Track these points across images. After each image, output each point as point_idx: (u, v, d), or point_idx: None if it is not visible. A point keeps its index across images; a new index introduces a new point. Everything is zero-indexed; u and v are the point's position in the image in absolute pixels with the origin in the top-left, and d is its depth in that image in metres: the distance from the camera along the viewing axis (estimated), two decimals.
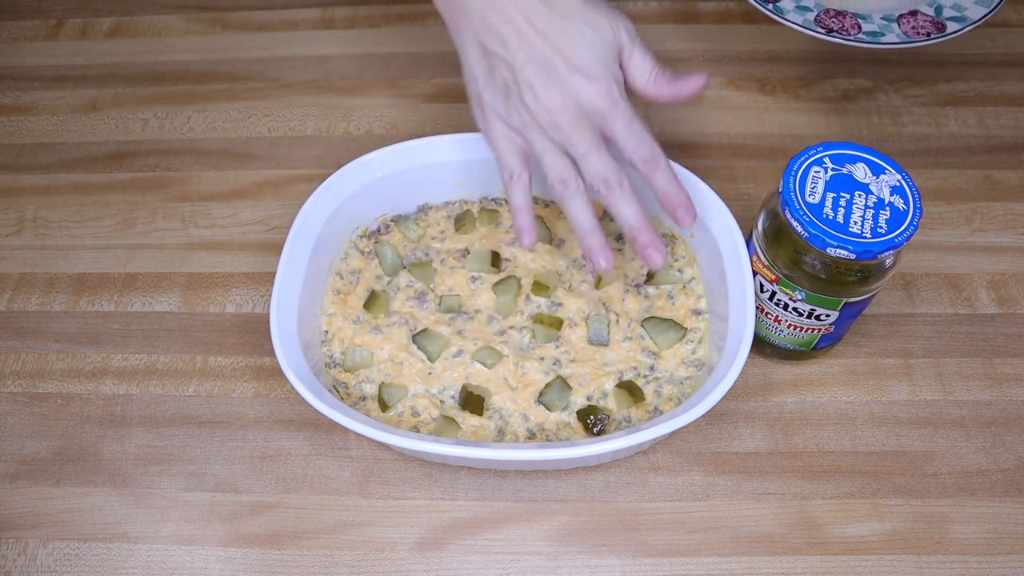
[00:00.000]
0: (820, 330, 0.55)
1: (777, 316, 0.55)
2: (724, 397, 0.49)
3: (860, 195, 0.49)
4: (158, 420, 0.59)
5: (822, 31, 0.67)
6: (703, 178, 0.59)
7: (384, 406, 0.56)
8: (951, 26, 0.68)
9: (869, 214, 0.49)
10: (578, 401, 0.56)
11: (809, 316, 0.54)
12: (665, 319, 0.58)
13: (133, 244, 0.69)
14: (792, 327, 0.55)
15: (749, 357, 0.52)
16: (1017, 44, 0.79)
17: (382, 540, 0.54)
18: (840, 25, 0.68)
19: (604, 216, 0.63)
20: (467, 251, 0.62)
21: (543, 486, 0.56)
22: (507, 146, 0.53)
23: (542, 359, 0.57)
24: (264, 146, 0.74)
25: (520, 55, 0.50)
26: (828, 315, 0.53)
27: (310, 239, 0.58)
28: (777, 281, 0.53)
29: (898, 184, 0.50)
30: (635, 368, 0.57)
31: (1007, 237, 0.66)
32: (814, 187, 0.50)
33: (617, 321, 0.59)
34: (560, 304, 0.59)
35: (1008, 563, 0.52)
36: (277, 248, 0.58)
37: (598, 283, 0.60)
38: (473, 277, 0.61)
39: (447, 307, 0.60)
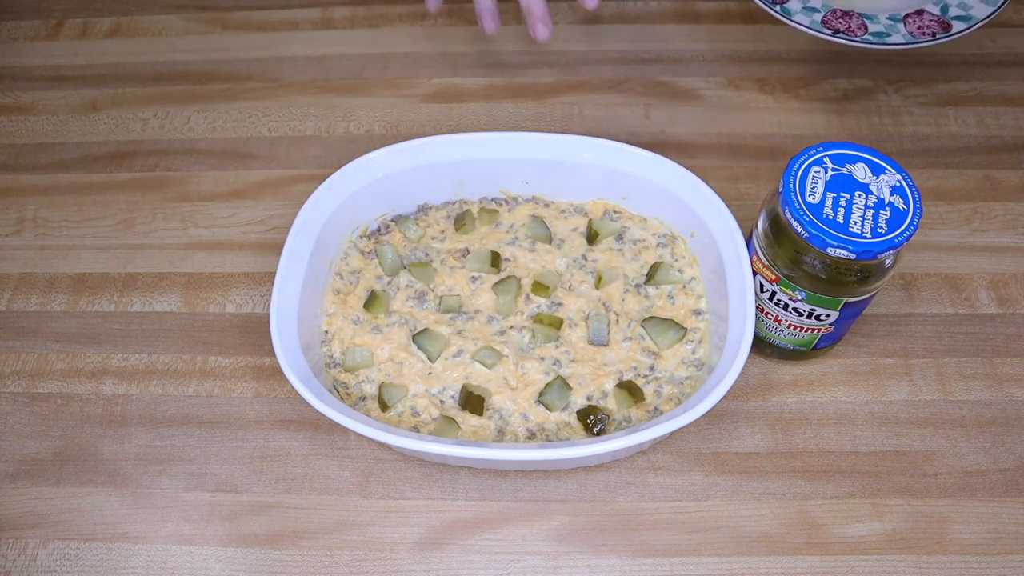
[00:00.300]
0: (820, 330, 0.55)
1: (777, 316, 0.55)
2: (724, 397, 0.49)
3: (860, 195, 0.49)
4: (158, 420, 0.59)
5: (828, 32, 0.67)
6: (703, 178, 0.59)
7: (384, 406, 0.56)
8: (956, 25, 0.68)
9: (869, 214, 0.49)
10: (578, 401, 0.56)
11: (809, 316, 0.54)
12: (665, 319, 0.58)
13: (133, 244, 0.69)
14: (792, 327, 0.55)
15: (749, 357, 0.52)
16: (1017, 44, 0.79)
17: (382, 540, 0.54)
18: (847, 26, 0.68)
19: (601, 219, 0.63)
20: (467, 251, 0.62)
21: (543, 486, 0.56)
22: None
23: (542, 359, 0.57)
24: (264, 146, 0.74)
25: None
26: (828, 315, 0.53)
27: (310, 239, 0.58)
28: (777, 281, 0.53)
29: (898, 184, 0.50)
30: (635, 368, 0.57)
31: (1007, 237, 0.66)
32: (814, 187, 0.50)
33: (617, 321, 0.59)
34: (560, 304, 0.59)
35: (1008, 563, 0.52)
36: (277, 248, 0.58)
37: (598, 283, 0.60)
38: (473, 277, 0.61)
39: (447, 307, 0.60)
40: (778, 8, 0.70)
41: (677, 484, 0.56)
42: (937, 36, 0.67)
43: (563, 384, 0.56)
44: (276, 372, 0.61)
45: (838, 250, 0.48)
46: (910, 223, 0.48)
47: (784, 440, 0.57)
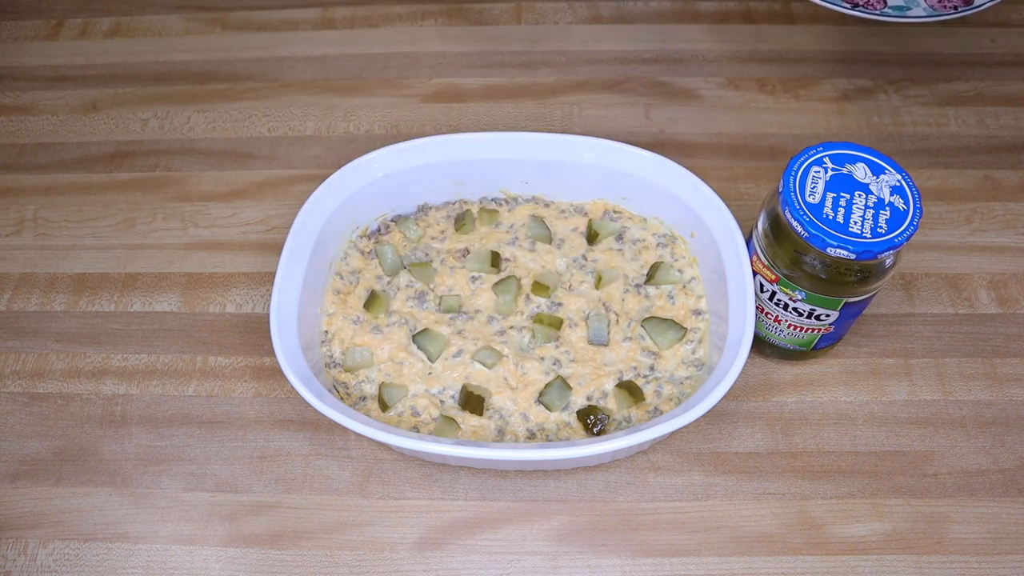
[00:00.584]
0: (820, 330, 0.55)
1: (777, 316, 0.55)
2: (724, 397, 0.49)
3: (860, 195, 0.49)
4: (158, 420, 0.59)
5: (847, 6, 0.66)
6: (703, 178, 0.59)
7: (384, 406, 0.56)
8: None
9: (869, 214, 0.49)
10: (578, 401, 0.56)
11: (809, 316, 0.54)
12: (665, 319, 0.58)
13: (133, 244, 0.69)
14: (792, 327, 0.55)
15: (749, 357, 0.52)
16: (1017, 44, 0.79)
17: (382, 540, 0.54)
18: (866, 0, 0.67)
19: (596, 233, 0.63)
20: (467, 251, 0.62)
21: (543, 486, 0.56)
22: None
23: (542, 359, 0.57)
24: (264, 146, 0.74)
25: None
26: (828, 315, 0.53)
27: (310, 239, 0.58)
28: (777, 281, 0.53)
29: (898, 184, 0.50)
30: (635, 368, 0.57)
31: (1007, 237, 0.66)
32: (814, 187, 0.50)
33: (617, 321, 0.59)
34: (560, 304, 0.59)
35: (1008, 563, 0.52)
36: (277, 248, 0.58)
37: (598, 283, 0.60)
38: (473, 277, 0.61)
39: (447, 307, 0.60)
40: None
41: (677, 484, 0.56)
42: (959, 9, 0.66)
43: (563, 384, 0.56)
44: (276, 372, 0.61)
45: (838, 250, 0.48)
46: (910, 223, 0.48)
47: (784, 440, 0.57)
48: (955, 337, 0.62)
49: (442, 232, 0.64)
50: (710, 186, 0.58)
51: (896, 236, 0.48)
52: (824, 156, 0.51)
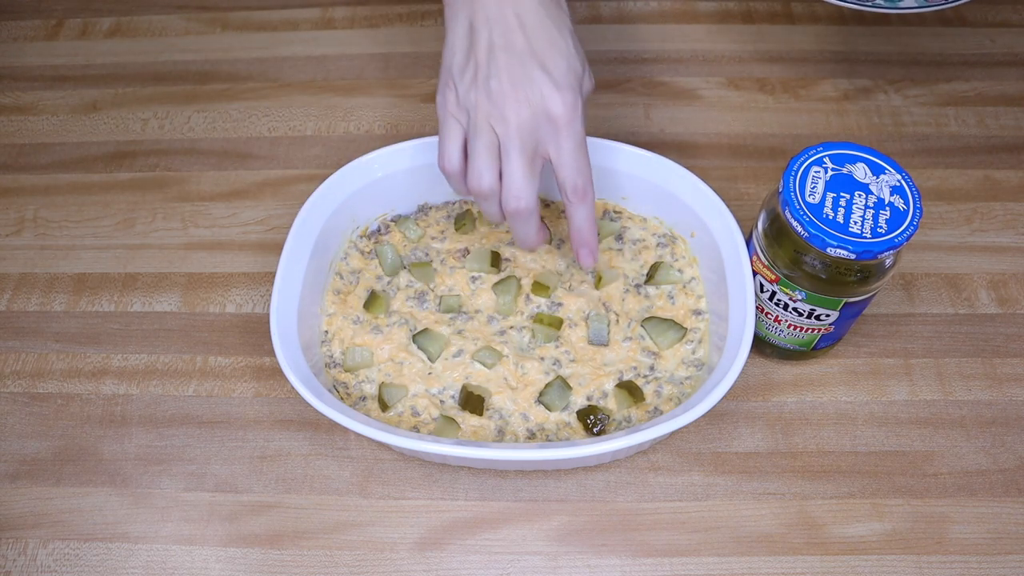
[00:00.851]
0: (820, 330, 0.55)
1: (777, 316, 0.55)
2: (724, 397, 0.49)
3: (860, 195, 0.49)
4: (158, 420, 0.59)
5: None
6: (703, 178, 0.59)
7: (384, 406, 0.56)
8: None
9: (869, 214, 0.49)
10: (578, 401, 0.56)
11: (809, 316, 0.54)
12: (665, 319, 0.58)
13: (133, 244, 0.69)
14: (792, 327, 0.55)
15: (749, 357, 0.52)
16: (1017, 44, 0.79)
17: (382, 540, 0.54)
18: None
19: (603, 215, 0.63)
20: (467, 251, 0.62)
21: (543, 486, 0.56)
22: (452, 125, 0.52)
23: (542, 359, 0.57)
24: (264, 146, 0.74)
25: (501, 41, 0.50)
26: (828, 315, 0.53)
27: (310, 239, 0.58)
28: (777, 281, 0.53)
29: (898, 184, 0.50)
30: (635, 368, 0.57)
31: (1007, 237, 0.66)
32: (814, 187, 0.50)
33: (617, 321, 0.59)
34: (560, 304, 0.59)
35: (1008, 563, 0.52)
36: (277, 248, 0.58)
37: (598, 283, 0.60)
38: (473, 277, 0.61)
39: (447, 307, 0.60)
40: None
41: (677, 484, 0.56)
42: (950, 0, 0.66)
43: (563, 384, 0.56)
44: (276, 372, 0.61)
45: (838, 250, 0.48)
46: (910, 223, 0.48)
47: (784, 440, 0.57)
48: (955, 337, 0.62)
49: (442, 232, 0.64)
50: (710, 186, 0.58)
51: (896, 236, 0.48)
52: (824, 156, 0.51)
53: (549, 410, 0.55)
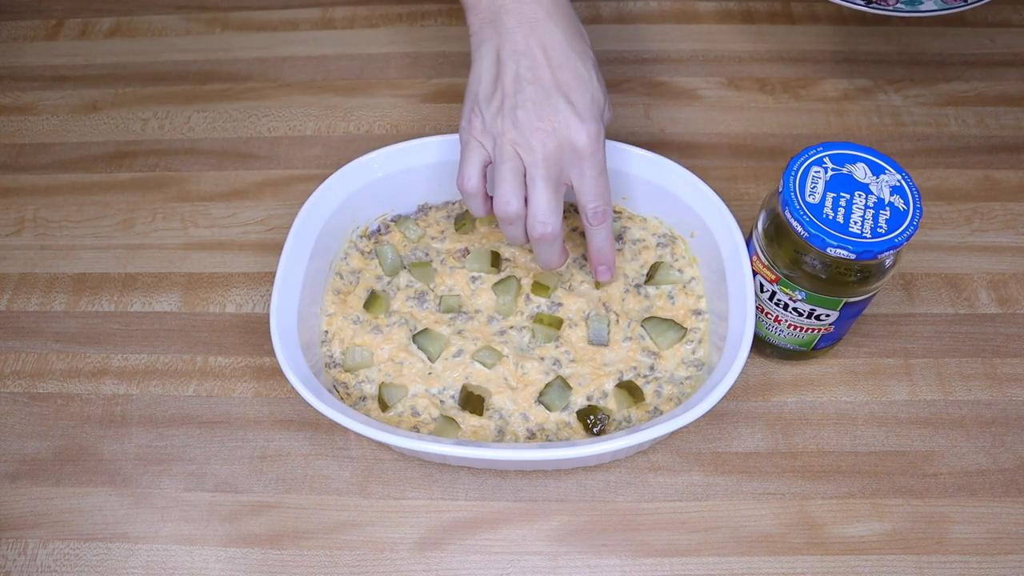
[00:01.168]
0: (820, 330, 0.55)
1: (777, 316, 0.55)
2: (724, 397, 0.49)
3: (860, 195, 0.49)
4: (158, 420, 0.59)
5: (861, 3, 0.67)
6: (703, 178, 0.59)
7: (384, 406, 0.56)
8: None
9: (869, 214, 0.49)
10: (578, 401, 0.56)
11: (809, 316, 0.54)
12: (665, 319, 0.58)
13: (133, 244, 0.69)
14: (792, 327, 0.55)
15: (749, 357, 0.52)
16: (1017, 44, 0.79)
17: (382, 540, 0.54)
18: None
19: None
20: (467, 251, 0.62)
21: (543, 486, 0.56)
22: (476, 148, 0.54)
23: (542, 359, 0.57)
24: (264, 146, 0.74)
25: (528, 74, 0.52)
26: (828, 315, 0.53)
27: (310, 239, 0.58)
28: (777, 281, 0.53)
29: (898, 184, 0.50)
30: (635, 368, 0.57)
31: (1007, 237, 0.66)
32: (814, 187, 0.50)
33: (617, 321, 0.59)
34: (560, 304, 0.59)
35: (1008, 563, 0.52)
36: (277, 248, 0.58)
37: (597, 283, 0.60)
38: (473, 277, 0.61)
39: (447, 307, 0.60)
40: None
41: (677, 484, 0.56)
42: (969, 2, 0.67)
43: (563, 384, 0.56)
44: (276, 372, 0.61)
45: (838, 250, 0.48)
46: (910, 223, 0.48)
47: (784, 440, 0.57)
48: (955, 337, 0.62)
49: (442, 232, 0.64)
50: (710, 186, 0.58)
51: (896, 236, 0.48)
52: (824, 156, 0.51)
53: (549, 410, 0.55)
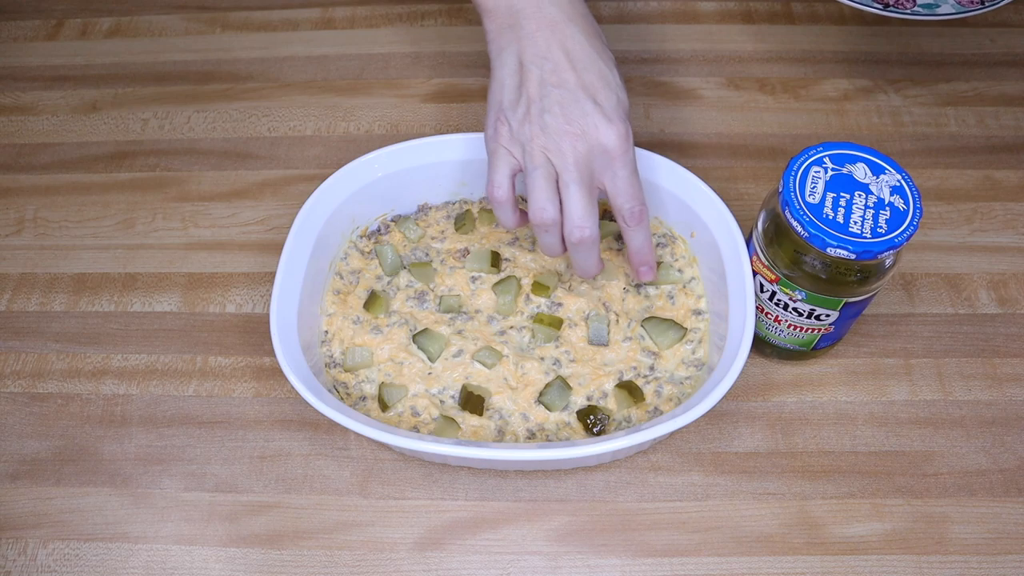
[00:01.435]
0: (820, 330, 0.55)
1: (777, 316, 0.55)
2: (724, 397, 0.49)
3: (860, 195, 0.49)
4: (158, 420, 0.59)
5: (879, 7, 0.67)
6: (703, 178, 0.59)
7: (384, 406, 0.56)
8: None
9: (869, 214, 0.49)
10: (578, 401, 0.56)
11: (809, 316, 0.54)
12: (665, 319, 0.58)
13: (133, 244, 0.69)
14: (792, 327, 0.55)
15: (749, 357, 0.52)
16: (1017, 44, 0.79)
17: (382, 540, 0.54)
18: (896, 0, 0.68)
19: (604, 215, 0.63)
20: (467, 251, 0.62)
21: (543, 486, 0.56)
22: (504, 156, 0.54)
23: (542, 359, 0.57)
24: (264, 146, 0.74)
25: (553, 78, 0.52)
26: (828, 315, 0.53)
27: (310, 239, 0.58)
28: (777, 281, 0.53)
29: (898, 184, 0.50)
30: (635, 368, 0.57)
31: (1007, 237, 0.66)
32: (814, 187, 0.50)
33: (617, 321, 0.59)
34: (560, 304, 0.59)
35: (1008, 563, 0.52)
36: (277, 248, 0.58)
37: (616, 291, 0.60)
38: (473, 277, 0.61)
39: (447, 307, 0.60)
40: None
41: (677, 484, 0.56)
42: (986, 3, 0.67)
43: (563, 384, 0.56)
44: (276, 372, 0.61)
45: (838, 250, 0.48)
46: (910, 223, 0.48)
47: (784, 440, 0.57)
48: (955, 337, 0.62)
49: (442, 232, 0.64)
50: (710, 186, 0.58)
51: (896, 236, 0.48)
52: (824, 156, 0.51)
53: (549, 410, 0.55)
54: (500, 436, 0.55)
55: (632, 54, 0.80)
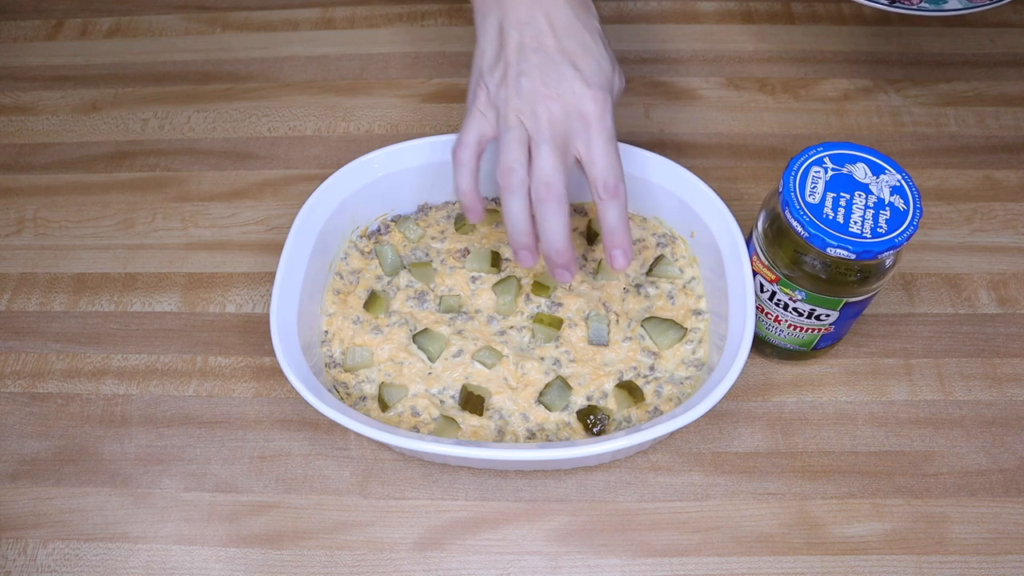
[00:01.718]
0: (820, 330, 0.55)
1: (777, 316, 0.55)
2: (724, 397, 0.49)
3: (860, 195, 0.49)
4: (158, 420, 0.59)
5: (885, 3, 0.67)
6: (703, 178, 0.59)
7: (384, 406, 0.56)
8: None
9: (869, 214, 0.49)
10: (578, 401, 0.56)
11: (809, 316, 0.54)
12: (665, 319, 0.58)
13: (133, 244, 0.69)
14: (792, 327, 0.55)
15: (749, 357, 0.52)
16: (1017, 44, 0.79)
17: (382, 540, 0.54)
18: None
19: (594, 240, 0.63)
20: (467, 251, 0.62)
21: (543, 486, 0.56)
22: (477, 118, 0.53)
23: (542, 359, 0.57)
24: (264, 146, 0.74)
25: (533, 43, 0.51)
26: (828, 315, 0.53)
27: (310, 239, 0.58)
28: (777, 281, 0.53)
29: (898, 184, 0.50)
30: (635, 368, 0.57)
31: (1007, 237, 0.66)
32: (814, 187, 0.50)
33: (617, 321, 0.59)
34: (560, 304, 0.59)
35: (1008, 563, 0.52)
36: (277, 248, 0.58)
37: (597, 269, 0.60)
38: (473, 277, 0.61)
39: (447, 307, 0.60)
40: None
41: (677, 484, 0.56)
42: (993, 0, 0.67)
43: (563, 384, 0.56)
44: (276, 372, 0.61)
45: (838, 250, 0.48)
46: (910, 223, 0.48)
47: (784, 440, 0.57)
48: (955, 337, 0.62)
49: (442, 232, 0.64)
50: (710, 186, 0.58)
51: (896, 236, 0.48)
52: (824, 156, 0.51)
53: (549, 410, 0.55)
54: (500, 436, 0.55)
55: (632, 54, 0.80)
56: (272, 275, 0.56)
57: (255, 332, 0.63)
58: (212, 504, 0.56)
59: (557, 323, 0.58)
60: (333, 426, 0.58)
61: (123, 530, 0.55)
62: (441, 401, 0.56)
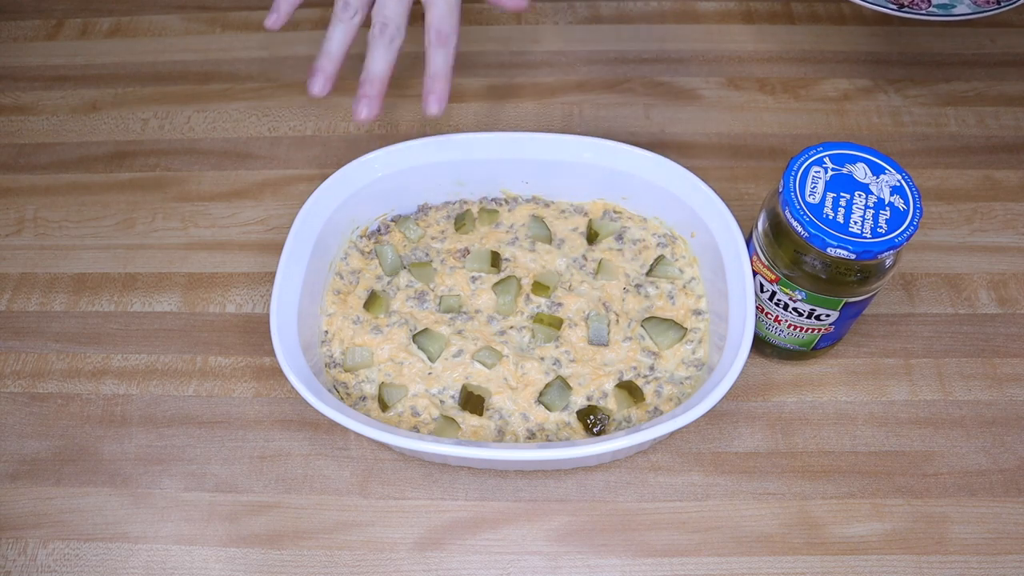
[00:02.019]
0: (820, 330, 0.55)
1: (777, 316, 0.55)
2: (724, 397, 0.49)
3: (860, 195, 0.50)
4: (158, 420, 0.59)
5: (894, 7, 0.67)
6: (703, 178, 0.59)
7: (384, 406, 0.56)
8: None
9: (869, 214, 0.49)
10: (578, 401, 0.56)
11: (809, 316, 0.54)
12: (665, 319, 0.58)
13: (133, 244, 0.69)
14: (792, 327, 0.55)
15: (749, 357, 0.52)
16: (1017, 44, 0.79)
17: (382, 540, 0.54)
18: (911, 0, 0.68)
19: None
20: (467, 251, 0.62)
21: (543, 486, 0.56)
22: None
23: (542, 359, 0.57)
24: (264, 146, 0.74)
25: None
26: (828, 315, 0.53)
27: (310, 239, 0.58)
28: (777, 281, 0.53)
29: (898, 184, 0.50)
30: (635, 368, 0.57)
31: (1007, 237, 0.66)
32: (814, 187, 0.50)
33: (617, 321, 0.59)
34: (560, 304, 0.59)
35: (1008, 563, 0.52)
36: (277, 248, 0.58)
37: (597, 269, 0.60)
38: (473, 277, 0.61)
39: (447, 307, 0.60)
40: None
41: (677, 484, 0.56)
42: (1003, 3, 0.67)
43: (563, 384, 0.56)
44: (276, 372, 0.61)
45: (838, 250, 0.48)
46: (910, 223, 0.48)
47: (784, 440, 0.57)
48: (955, 337, 0.62)
49: (442, 232, 0.64)
50: (710, 186, 0.58)
51: (896, 236, 0.48)
52: (824, 156, 0.51)
53: (549, 410, 0.55)
54: (500, 436, 0.55)
55: (632, 54, 0.80)
56: (272, 275, 0.56)
57: (255, 332, 0.63)
58: (212, 504, 0.56)
59: (557, 323, 0.58)
60: (333, 426, 0.58)
61: (123, 530, 0.55)
62: (441, 401, 0.56)
